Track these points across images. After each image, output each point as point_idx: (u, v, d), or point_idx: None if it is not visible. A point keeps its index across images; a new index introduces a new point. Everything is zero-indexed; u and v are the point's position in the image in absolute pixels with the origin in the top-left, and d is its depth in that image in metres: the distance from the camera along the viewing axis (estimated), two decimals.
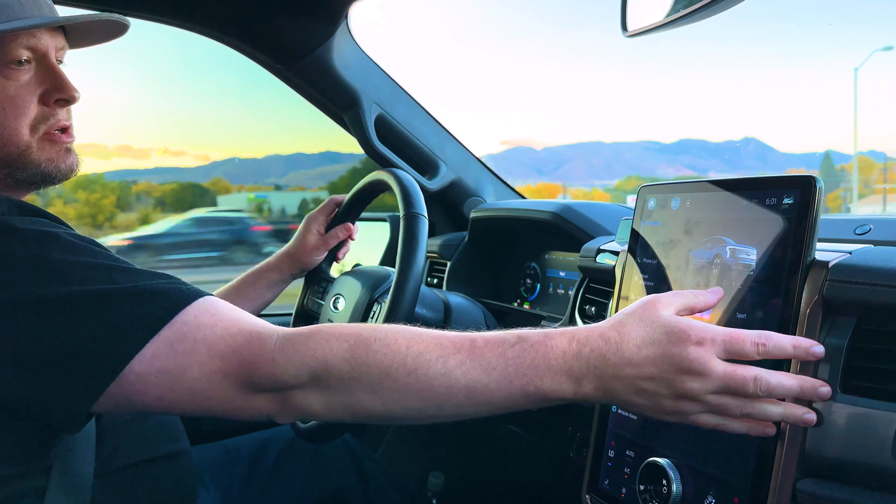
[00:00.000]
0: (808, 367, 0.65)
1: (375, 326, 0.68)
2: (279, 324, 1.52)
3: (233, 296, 1.23)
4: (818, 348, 0.62)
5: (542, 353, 0.63)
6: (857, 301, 0.65)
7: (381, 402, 0.65)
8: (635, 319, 0.63)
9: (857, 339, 0.66)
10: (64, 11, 0.86)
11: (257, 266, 1.27)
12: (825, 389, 0.62)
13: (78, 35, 0.88)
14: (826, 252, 0.70)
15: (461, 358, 0.64)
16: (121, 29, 0.90)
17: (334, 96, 1.41)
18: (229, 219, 12.59)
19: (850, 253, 0.69)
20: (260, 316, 1.34)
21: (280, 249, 1.28)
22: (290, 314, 1.34)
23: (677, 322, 0.61)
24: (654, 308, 0.63)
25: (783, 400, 0.62)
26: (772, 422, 0.63)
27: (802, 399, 0.62)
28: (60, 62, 0.83)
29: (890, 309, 0.64)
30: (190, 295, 0.68)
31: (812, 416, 0.62)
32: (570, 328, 0.65)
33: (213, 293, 1.23)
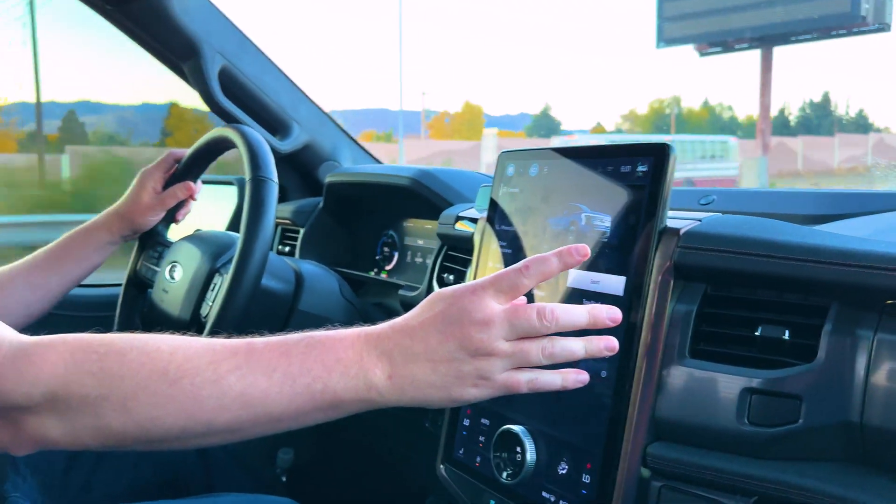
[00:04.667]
0: (658, 333, 0.66)
1: (134, 335, 0.59)
2: (108, 296, 1.42)
3: (55, 258, 1.09)
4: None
5: (329, 345, 0.58)
6: (706, 267, 0.67)
7: (135, 422, 0.56)
8: (422, 303, 0.61)
9: (705, 304, 0.68)
10: None
11: (84, 225, 1.13)
12: (615, 311, 0.60)
13: None
14: (676, 220, 0.71)
15: (237, 361, 0.57)
16: None
17: (172, 44, 1.27)
18: None
19: (700, 221, 0.71)
20: (83, 285, 1.21)
21: (110, 207, 1.15)
22: (121, 283, 1.21)
23: (452, 287, 0.60)
24: (444, 291, 0.61)
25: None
26: (588, 373, 0.61)
27: (596, 329, 0.60)
28: None
29: (737, 275, 0.66)
30: None
31: (613, 342, 0.60)
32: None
33: (34, 254, 1.10)
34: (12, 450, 0.58)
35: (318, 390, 0.57)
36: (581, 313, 0.59)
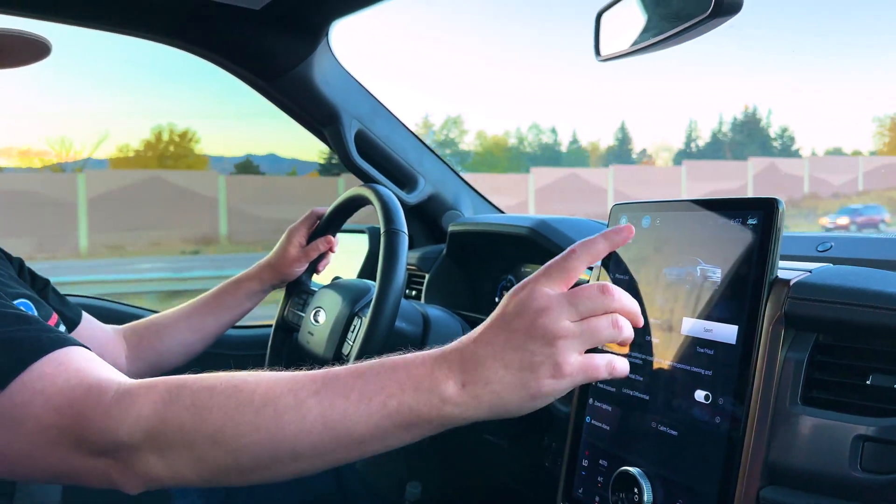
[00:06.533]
0: (770, 380, 0.69)
1: (225, 374, 0.62)
2: (258, 336, 1.56)
3: (212, 304, 1.24)
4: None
5: (401, 365, 0.59)
6: (816, 317, 0.69)
7: (225, 451, 0.58)
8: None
9: (816, 353, 0.70)
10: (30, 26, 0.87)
11: (237, 275, 1.28)
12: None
13: (5, 54, 0.88)
14: (788, 270, 0.74)
15: (315, 387, 0.59)
16: (44, 51, 0.90)
17: (315, 112, 1.43)
18: None
19: (811, 272, 0.73)
20: (237, 327, 1.36)
21: (261, 260, 1.30)
22: (271, 325, 1.35)
23: (509, 291, 0.62)
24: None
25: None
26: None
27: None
28: None
29: (847, 325, 0.67)
30: (46, 345, 0.63)
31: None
32: None
33: (194, 300, 1.26)
34: (126, 488, 0.61)
35: (393, 407, 0.57)
36: (632, 299, 0.62)
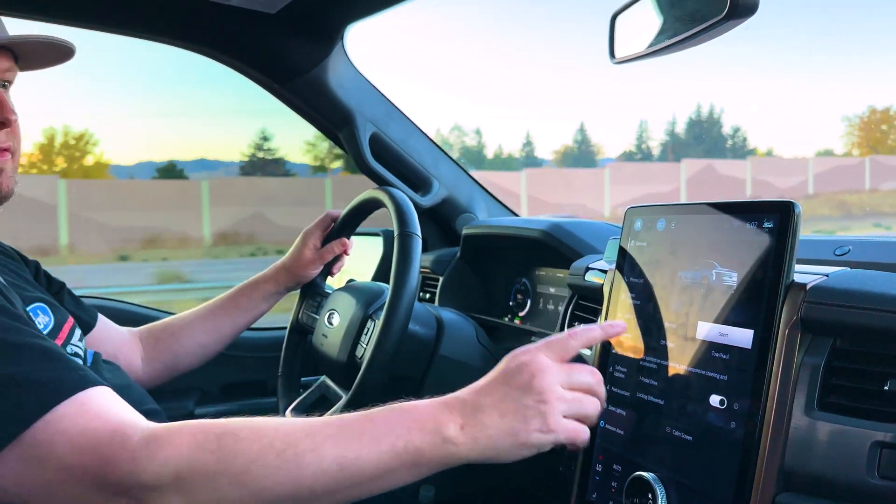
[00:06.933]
0: (786, 386, 0.68)
1: (245, 418, 0.66)
2: (273, 339, 1.57)
3: (228, 306, 1.25)
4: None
5: (408, 409, 0.66)
6: (833, 322, 0.68)
7: (249, 493, 0.62)
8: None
9: (833, 358, 0.69)
10: (39, 29, 0.88)
11: (254, 277, 1.28)
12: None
13: (27, 57, 0.89)
14: (805, 274, 0.73)
15: (331, 430, 0.65)
16: (67, 53, 0.92)
17: (329, 115, 1.44)
18: None
19: (828, 275, 0.72)
20: (252, 329, 1.36)
21: (276, 262, 1.30)
22: (285, 327, 1.36)
23: (512, 352, 0.71)
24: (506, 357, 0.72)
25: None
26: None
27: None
28: (8, 83, 0.85)
29: (864, 330, 0.67)
30: (69, 386, 0.64)
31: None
32: None
33: (210, 301, 1.27)
34: None
35: (400, 447, 0.64)
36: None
